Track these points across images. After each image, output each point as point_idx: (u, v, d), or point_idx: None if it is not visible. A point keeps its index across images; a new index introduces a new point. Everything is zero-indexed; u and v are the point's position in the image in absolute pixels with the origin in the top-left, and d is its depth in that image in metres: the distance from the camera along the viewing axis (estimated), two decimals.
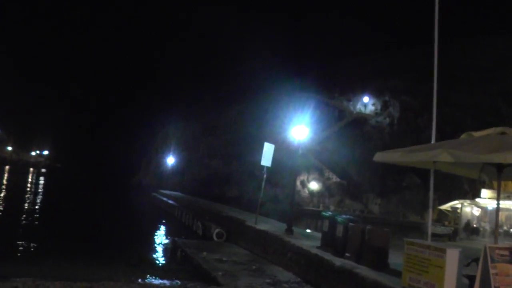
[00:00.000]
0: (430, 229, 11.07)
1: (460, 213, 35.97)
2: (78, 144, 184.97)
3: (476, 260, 7.41)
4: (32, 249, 17.09)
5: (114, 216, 32.50)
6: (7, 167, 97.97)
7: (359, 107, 60.88)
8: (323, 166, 39.68)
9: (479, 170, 9.13)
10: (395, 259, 10.93)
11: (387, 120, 56.56)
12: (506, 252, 6.98)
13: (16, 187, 50.88)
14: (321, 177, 37.45)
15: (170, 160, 58.00)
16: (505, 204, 30.16)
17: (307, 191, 34.64)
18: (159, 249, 19.90)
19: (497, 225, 8.85)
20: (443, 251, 7.50)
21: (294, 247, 13.79)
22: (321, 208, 28.98)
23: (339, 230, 12.92)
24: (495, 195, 31.90)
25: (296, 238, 15.09)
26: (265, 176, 19.57)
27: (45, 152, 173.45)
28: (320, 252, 12.53)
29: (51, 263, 14.06)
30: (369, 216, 38.01)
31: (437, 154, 7.33)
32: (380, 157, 9.05)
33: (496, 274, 6.82)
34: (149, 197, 49.11)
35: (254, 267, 14.07)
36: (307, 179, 35.92)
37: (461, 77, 51.62)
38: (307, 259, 12.66)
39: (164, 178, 60.11)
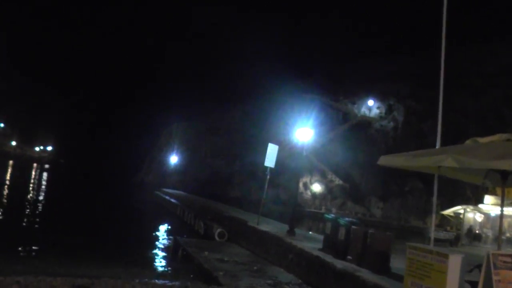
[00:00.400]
0: (432, 234, 11.05)
1: (462, 219, 35.88)
2: (81, 140, 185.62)
3: (479, 266, 7.39)
4: (33, 246, 17.11)
5: (116, 214, 32.56)
6: (11, 162, 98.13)
7: (363, 110, 60.85)
8: (326, 169, 39.66)
9: (483, 176, 9.10)
10: (397, 263, 10.93)
11: (391, 124, 56.52)
12: (509, 259, 6.96)
13: (19, 183, 50.96)
14: (323, 180, 37.43)
15: (173, 159, 58.09)
16: (508, 210, 30.02)
17: (309, 193, 34.61)
18: (161, 247, 19.91)
19: (500, 231, 8.81)
20: (446, 256, 7.48)
21: (296, 248, 13.79)
22: (323, 211, 28.97)
23: (341, 233, 12.93)
24: (498, 201, 31.85)
25: (298, 240, 15.09)
26: (268, 177, 19.59)
27: (49, 148, 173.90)
28: (321, 255, 12.52)
29: (52, 260, 14.09)
30: (371, 219, 37.93)
31: (442, 160, 7.31)
32: (384, 161, 9.03)
33: (499, 281, 6.81)
34: (151, 195, 49.16)
35: (255, 267, 14.07)
36: (310, 181, 35.89)
37: (465, 82, 51.52)
38: (309, 261, 12.66)
39: (166, 177, 60.18)
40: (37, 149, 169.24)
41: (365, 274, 10.28)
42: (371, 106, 60.62)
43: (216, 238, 20.56)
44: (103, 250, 16.58)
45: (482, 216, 35.80)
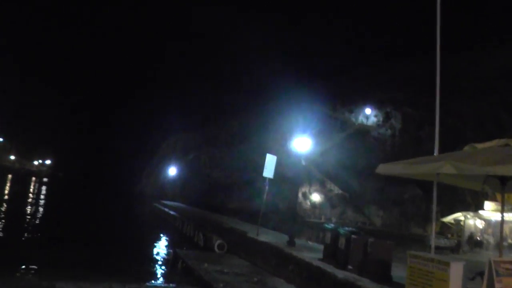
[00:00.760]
0: (433, 241, 10.99)
1: (463, 226, 35.78)
2: (80, 153, 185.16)
3: (481, 273, 7.34)
4: (31, 259, 17.01)
5: (115, 226, 32.39)
6: (9, 176, 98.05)
7: (361, 118, 60.91)
8: (325, 178, 39.60)
9: (482, 182, 9.07)
10: (398, 271, 10.86)
11: (389, 131, 56.56)
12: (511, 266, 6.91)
13: (18, 197, 50.84)
14: (323, 189, 37.35)
15: (172, 171, 58.05)
16: (509, 216, 29.94)
17: (308, 203, 34.52)
18: (160, 260, 19.79)
19: (501, 238, 8.76)
20: (447, 264, 7.42)
21: (296, 259, 13.71)
22: (322, 220, 28.83)
23: (342, 242, 12.86)
24: (498, 207, 31.79)
25: (298, 250, 15.01)
26: (267, 187, 19.54)
27: (48, 162, 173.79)
28: (322, 265, 12.45)
29: (51, 273, 14.01)
30: (371, 228, 37.83)
31: (440, 166, 7.28)
32: (383, 169, 9.01)
33: None
34: (150, 207, 49.04)
35: (255, 279, 13.99)
36: (309, 190, 35.81)
37: (462, 87, 51.59)
38: (309, 271, 12.58)
39: (165, 188, 60.11)
40: (35, 162, 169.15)
41: (366, 283, 10.21)
42: (368, 114, 60.71)
43: (216, 249, 20.46)
44: (101, 264, 16.46)
45: (483, 222, 35.71)
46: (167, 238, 27.85)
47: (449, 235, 37.04)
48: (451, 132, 41.49)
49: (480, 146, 8.22)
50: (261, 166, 20.06)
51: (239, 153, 45.07)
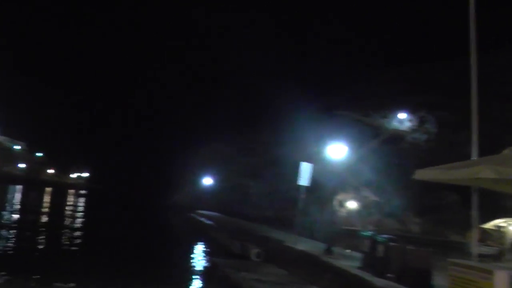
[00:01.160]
0: (475, 249, 10.74)
1: (504, 232, 34.77)
2: (116, 166, 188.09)
3: None
4: (73, 270, 17.46)
5: (152, 236, 32.84)
6: (48, 189, 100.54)
7: (395, 123, 60.13)
8: (360, 185, 39.22)
9: None
10: (439, 280, 10.70)
11: (424, 136, 55.62)
12: None
13: (57, 208, 52.15)
14: (358, 196, 36.98)
15: (206, 181, 58.51)
16: None
17: (344, 211, 34.23)
18: (198, 269, 19.95)
19: None
20: (490, 272, 7.25)
21: (334, 267, 13.66)
22: (359, 228, 28.58)
23: (380, 250, 12.74)
24: None
25: (336, 258, 14.95)
26: (302, 196, 19.54)
27: (85, 174, 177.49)
28: (360, 273, 12.37)
29: (93, 283, 14.34)
30: (409, 235, 37.20)
31: (479, 171, 7.16)
32: (420, 174, 8.92)
33: None
34: (185, 217, 49.46)
35: (293, 287, 13.99)
36: (344, 198, 35.52)
37: (499, 90, 50.48)
38: (347, 279, 12.49)
39: (200, 199, 60.54)
40: (73, 176, 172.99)
41: None
42: (402, 119, 59.84)
43: (252, 258, 20.49)
44: (140, 273, 16.72)
45: None
46: (203, 247, 28.03)
47: (490, 242, 36.02)
48: (488, 136, 40.55)
49: None
50: (296, 174, 20.09)
51: (273, 162, 45.14)
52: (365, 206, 34.64)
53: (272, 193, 42.40)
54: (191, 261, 21.95)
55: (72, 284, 12.23)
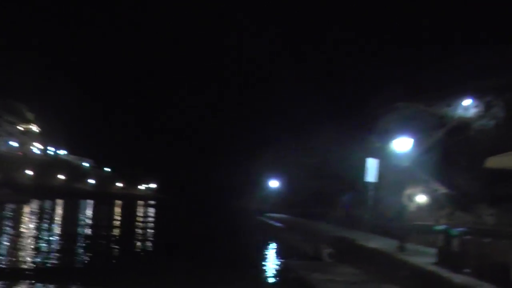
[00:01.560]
0: None
1: None
2: (183, 176, 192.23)
3: None
4: (151, 271, 18.45)
5: (225, 241, 33.55)
6: (118, 202, 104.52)
7: (460, 111, 58.31)
8: (428, 178, 38.30)
9: None
10: None
11: (492, 122, 53.57)
12: None
13: (127, 218, 54.41)
14: (428, 189, 36.00)
15: (273, 183, 58.84)
16: None
17: (414, 205, 33.51)
18: (271, 271, 20.27)
19: None
20: None
21: (408, 264, 13.57)
22: (430, 222, 27.88)
23: (455, 244, 12.52)
24: None
25: (409, 255, 14.81)
26: (371, 192, 19.47)
27: (153, 185, 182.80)
28: (436, 269, 12.22)
29: (162, 285, 15.08)
30: (483, 228, 35.80)
31: None
32: (491, 162, 8.81)
33: None
34: (255, 221, 50.04)
35: (368, 286, 14.00)
36: (414, 192, 34.79)
37: None
38: (424, 276, 12.39)
39: (268, 201, 60.90)
40: (142, 187, 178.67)
41: None
42: (467, 105, 57.98)
43: (325, 258, 20.60)
44: (214, 276, 17.26)
45: None
46: (275, 250, 28.36)
47: None
48: None
49: None
50: (362, 171, 20.06)
51: (338, 160, 44.83)
52: (435, 199, 33.72)
53: (339, 191, 42.14)
54: (264, 263, 22.32)
55: None
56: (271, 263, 22.68)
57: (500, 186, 41.14)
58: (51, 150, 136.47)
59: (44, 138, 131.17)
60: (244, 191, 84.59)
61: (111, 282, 15.80)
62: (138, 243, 29.56)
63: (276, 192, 58.94)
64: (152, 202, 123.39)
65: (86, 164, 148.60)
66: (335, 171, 43.37)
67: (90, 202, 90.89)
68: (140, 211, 73.49)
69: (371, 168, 19.33)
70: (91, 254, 22.57)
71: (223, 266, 20.27)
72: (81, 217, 49.96)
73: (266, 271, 20.26)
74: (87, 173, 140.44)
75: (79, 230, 34.79)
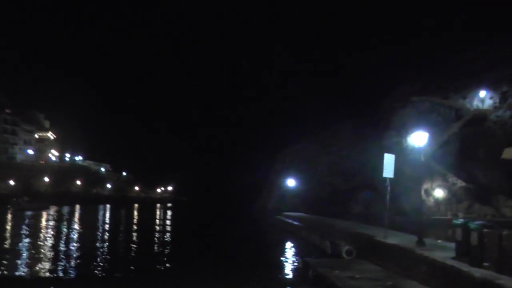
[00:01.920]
0: None
1: None
2: (200, 177, 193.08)
3: None
4: (167, 272, 18.80)
5: (243, 240, 33.73)
6: (136, 205, 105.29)
7: (476, 103, 57.77)
8: (446, 171, 38.02)
9: None
10: None
11: (508, 113, 53.07)
12: None
13: (146, 221, 54.91)
14: (445, 183, 35.85)
15: (291, 182, 58.93)
16: None
17: (432, 200, 33.34)
18: (290, 270, 20.37)
19: None
20: None
21: (428, 259, 13.55)
22: (449, 216, 27.66)
23: (474, 238, 12.44)
24: None
25: (429, 250, 14.78)
26: (388, 188, 19.40)
27: (170, 188, 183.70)
28: (456, 263, 12.19)
29: (187, 284, 15.27)
30: (502, 220, 35.31)
31: None
32: (509, 153, 8.76)
33: None
34: (273, 220, 50.12)
35: (389, 283, 14.00)
36: (431, 186, 34.58)
37: None
38: (443, 271, 12.36)
39: (286, 200, 60.96)
40: (159, 190, 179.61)
41: (508, 281, 9.86)
42: (483, 97, 57.33)
43: (344, 256, 20.60)
44: (234, 275, 17.43)
45: None
46: (294, 248, 28.43)
47: None
48: None
49: None
50: (380, 167, 20.01)
51: (355, 156, 44.83)
52: (453, 193, 33.57)
53: (357, 188, 42.13)
54: (283, 263, 22.43)
55: None
56: (290, 261, 22.78)
57: None
58: (67, 156, 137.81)
59: (61, 144, 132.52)
60: (262, 190, 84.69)
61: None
62: (157, 243, 29.88)
63: (294, 191, 59.00)
64: (169, 204, 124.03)
65: (102, 169, 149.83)
66: (352, 168, 43.39)
67: (108, 206, 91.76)
68: (158, 215, 74.03)
69: (388, 164, 19.21)
70: (116, 257, 22.93)
71: (243, 265, 20.46)
72: (99, 222, 50.46)
73: (285, 270, 20.38)
74: (104, 178, 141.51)
75: (98, 234, 35.12)
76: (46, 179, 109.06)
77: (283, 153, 75.88)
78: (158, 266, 20.37)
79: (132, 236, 35.94)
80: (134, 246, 29.10)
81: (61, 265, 19.68)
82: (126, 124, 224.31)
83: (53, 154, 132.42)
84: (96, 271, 18.52)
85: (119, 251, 26.31)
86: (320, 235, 27.04)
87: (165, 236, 36.91)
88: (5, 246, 26.12)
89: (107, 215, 67.70)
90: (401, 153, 31.93)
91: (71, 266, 19.62)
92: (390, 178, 19.40)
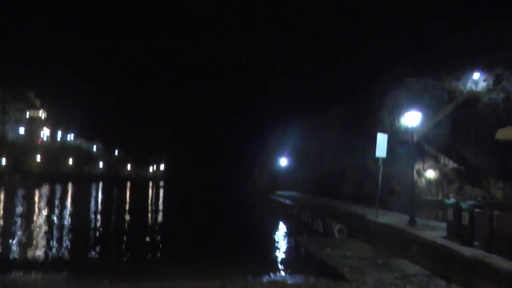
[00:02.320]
0: None
1: None
2: (191, 153, 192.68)
3: None
4: (158, 251, 18.85)
5: (234, 219, 33.84)
6: (128, 183, 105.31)
7: (469, 85, 57.79)
8: (437, 153, 38.17)
9: None
10: None
11: (501, 95, 53.10)
12: None
13: (139, 199, 54.91)
14: (437, 164, 35.93)
15: (283, 162, 58.95)
16: None
17: (423, 180, 33.49)
18: (282, 248, 20.48)
19: None
20: None
21: (419, 238, 13.64)
22: (440, 197, 27.87)
23: (465, 218, 12.54)
24: None
25: (420, 230, 14.89)
26: (381, 168, 19.45)
27: (162, 167, 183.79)
28: (447, 242, 12.27)
29: (179, 264, 15.30)
30: (492, 201, 35.56)
31: None
32: (502, 134, 8.78)
33: None
34: (266, 199, 50.28)
35: (379, 261, 14.10)
36: (423, 167, 34.71)
37: None
38: (434, 250, 12.46)
39: (278, 180, 61.05)
40: (151, 169, 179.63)
41: (497, 260, 9.94)
42: (476, 79, 57.37)
43: (336, 235, 20.75)
44: (226, 254, 17.48)
45: None
46: (286, 227, 28.57)
47: None
48: None
49: None
50: (372, 147, 20.04)
51: (347, 137, 44.86)
52: (445, 174, 33.69)
53: (349, 168, 42.21)
54: (275, 241, 22.54)
55: None
56: (282, 240, 22.91)
57: (508, 160, 40.96)
58: (59, 135, 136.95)
59: (52, 123, 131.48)
60: (255, 170, 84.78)
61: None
62: (149, 225, 29.84)
63: (287, 170, 59.07)
64: (162, 183, 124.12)
65: (94, 148, 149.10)
66: (347, 148, 43.47)
67: (100, 185, 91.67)
68: (151, 193, 74.07)
69: (381, 144, 19.22)
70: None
71: (235, 244, 20.52)
72: (92, 201, 50.24)
73: (277, 248, 20.48)
74: (96, 157, 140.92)
75: (91, 215, 34.55)
76: (38, 158, 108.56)
77: (274, 133, 75.92)
78: (147, 239, 20.43)
79: (124, 219, 35.71)
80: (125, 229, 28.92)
81: (55, 247, 19.40)
82: (118, 102, 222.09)
83: (45, 133, 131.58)
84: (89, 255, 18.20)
85: (112, 235, 25.89)
86: (312, 214, 27.18)
87: (158, 213, 36.95)
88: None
89: (100, 193, 67.58)
90: (394, 134, 31.94)
91: (65, 248, 19.42)
92: (383, 158, 19.44)
